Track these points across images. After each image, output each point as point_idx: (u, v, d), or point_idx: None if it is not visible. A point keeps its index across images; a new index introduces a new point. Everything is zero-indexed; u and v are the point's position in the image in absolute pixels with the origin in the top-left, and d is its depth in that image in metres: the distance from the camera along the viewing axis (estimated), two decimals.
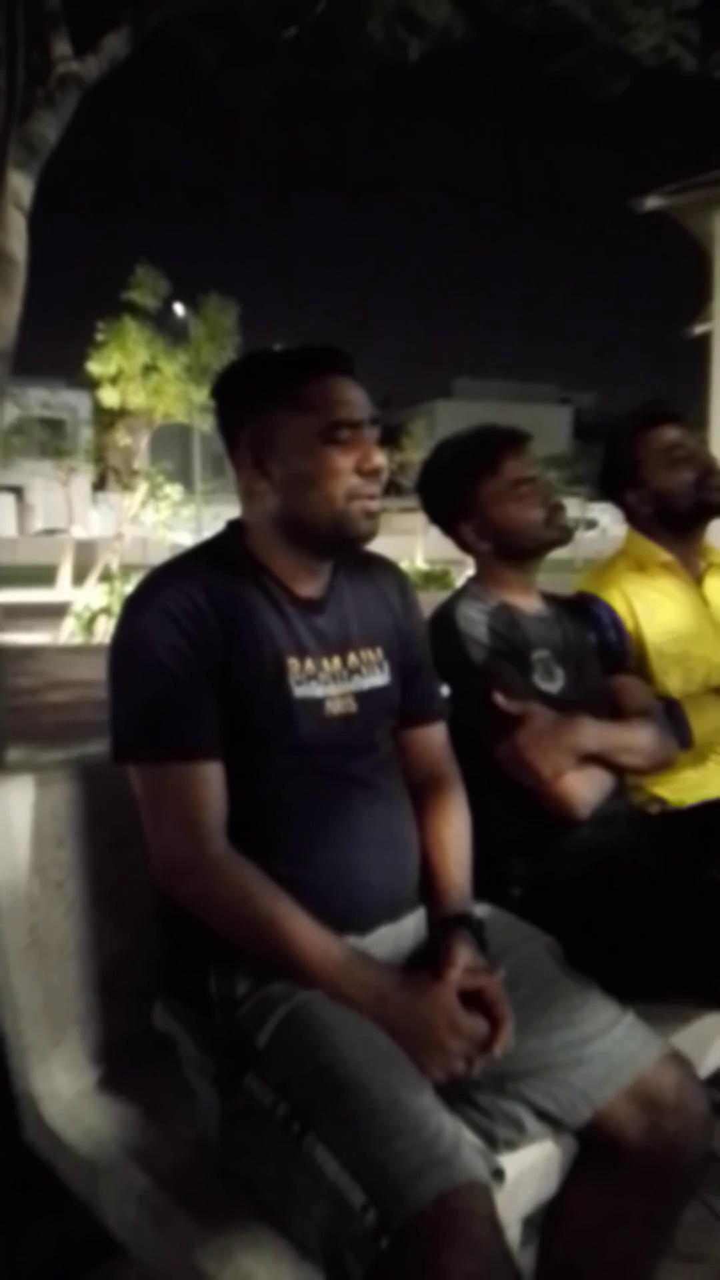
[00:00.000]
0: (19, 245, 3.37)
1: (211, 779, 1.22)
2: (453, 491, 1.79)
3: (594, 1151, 1.23)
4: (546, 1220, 1.27)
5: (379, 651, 1.39)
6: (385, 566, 1.50)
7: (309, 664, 1.30)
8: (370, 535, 1.33)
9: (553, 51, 4.40)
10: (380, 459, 1.30)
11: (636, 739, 1.71)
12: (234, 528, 1.38)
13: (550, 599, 1.90)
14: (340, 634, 1.35)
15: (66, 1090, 1.36)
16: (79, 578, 16.36)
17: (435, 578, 19.94)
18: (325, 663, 1.32)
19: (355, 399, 1.30)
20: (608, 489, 2.20)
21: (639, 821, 1.83)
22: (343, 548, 1.35)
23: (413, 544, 27.25)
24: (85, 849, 1.42)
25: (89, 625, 12.37)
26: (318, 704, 1.29)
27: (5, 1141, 1.43)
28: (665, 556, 2.11)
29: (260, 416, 1.30)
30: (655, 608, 2.05)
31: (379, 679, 1.37)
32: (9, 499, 42.64)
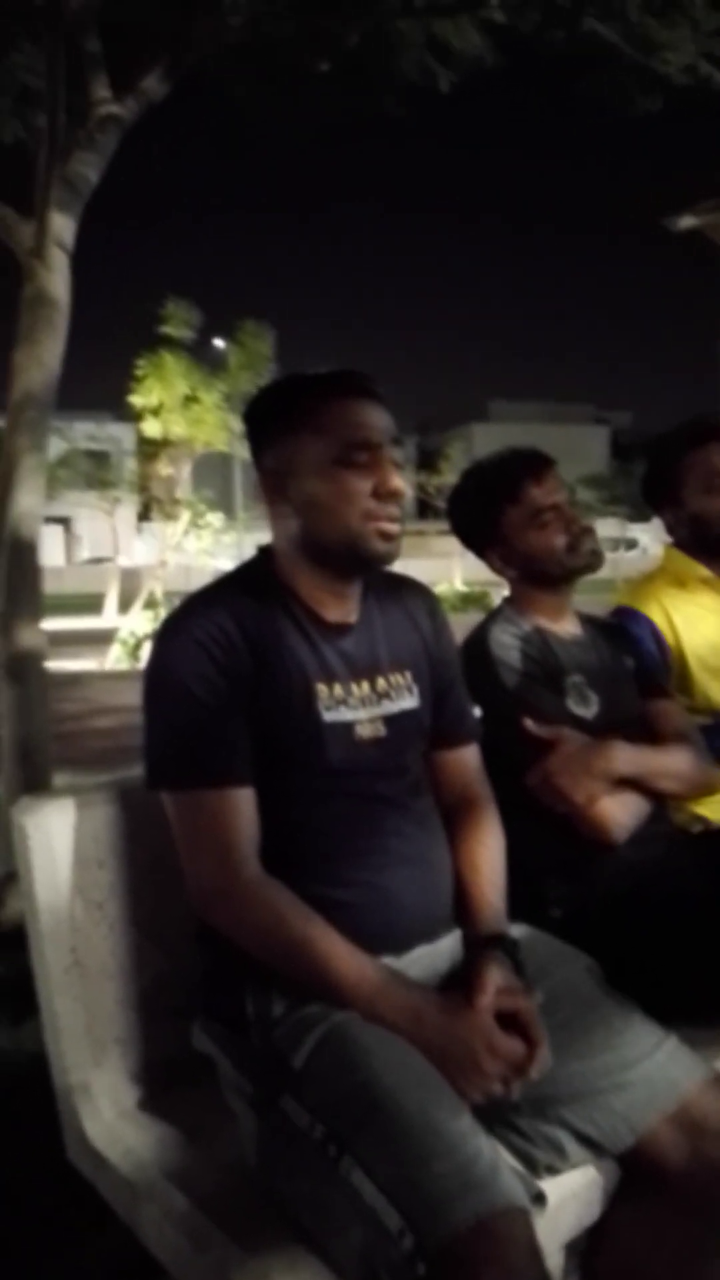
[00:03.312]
0: (62, 285, 3.46)
1: (243, 805, 1.23)
2: (478, 520, 1.80)
3: (637, 1177, 1.21)
4: (589, 1247, 1.24)
5: (408, 675, 1.39)
6: (415, 589, 1.51)
7: (338, 689, 1.31)
8: (389, 557, 1.32)
9: (583, 72, 4.42)
10: (396, 482, 1.29)
11: (672, 763, 1.69)
12: (263, 554, 1.40)
13: (587, 621, 1.89)
14: (369, 658, 1.36)
15: (107, 1111, 1.37)
16: (124, 605, 16.57)
17: (474, 599, 19.89)
18: (354, 687, 1.33)
19: (373, 421, 1.30)
20: (649, 500, 2.20)
21: (680, 840, 1.80)
22: (361, 570, 1.35)
23: (450, 566, 27.22)
24: (125, 870, 1.43)
25: (134, 651, 12.52)
26: (347, 728, 1.30)
27: (49, 1162, 1.45)
28: (704, 572, 2.10)
29: (280, 441, 1.32)
30: (696, 621, 2.04)
31: (408, 702, 1.38)
32: (57, 530, 43.37)
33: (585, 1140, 1.20)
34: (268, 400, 1.38)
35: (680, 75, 4.08)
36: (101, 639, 13.90)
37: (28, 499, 3.35)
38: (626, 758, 1.61)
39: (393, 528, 1.30)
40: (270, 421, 1.35)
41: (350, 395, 1.31)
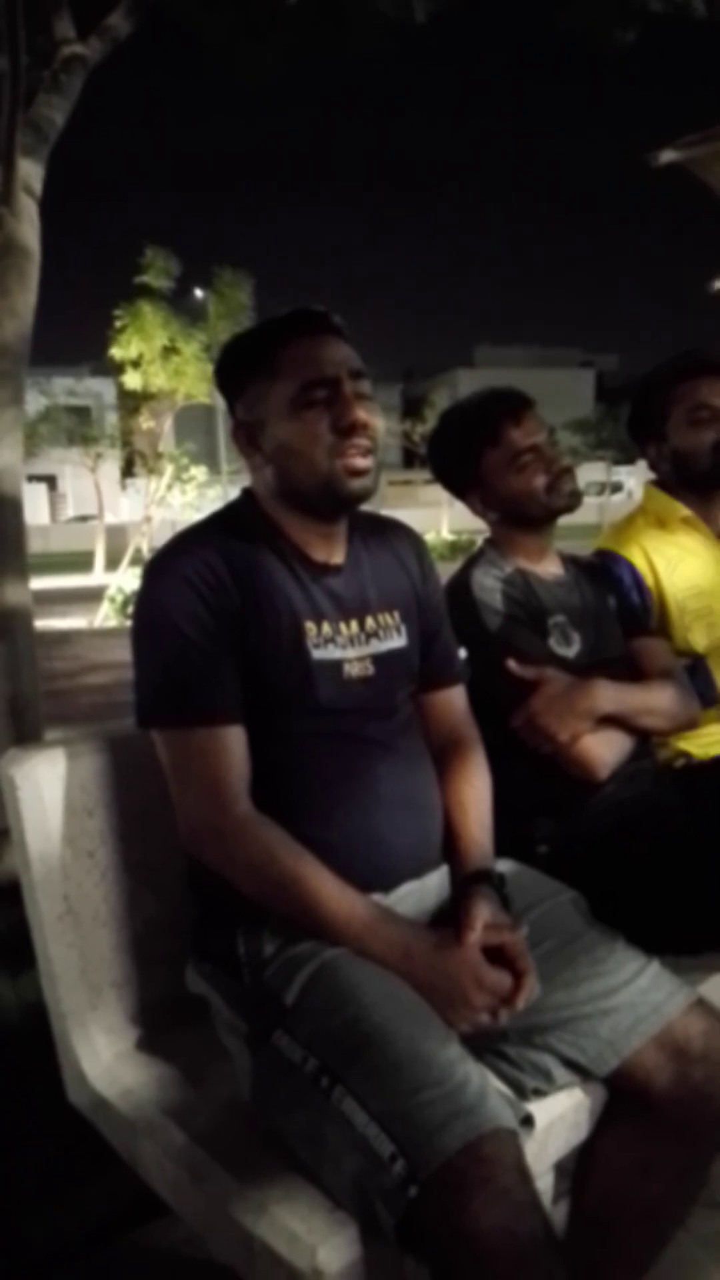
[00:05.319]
0: (32, 233, 3.38)
1: (233, 743, 1.24)
2: (457, 464, 1.79)
3: (623, 1100, 1.25)
4: (577, 1168, 1.28)
5: (396, 615, 1.40)
6: (402, 531, 1.51)
7: (326, 627, 1.31)
8: (364, 493, 1.31)
9: (562, 2, 4.31)
10: (357, 414, 1.27)
11: (656, 700, 1.70)
12: (249, 495, 1.39)
13: (570, 561, 1.89)
14: (358, 598, 1.36)
15: (105, 1053, 1.40)
16: (112, 562, 16.49)
17: (462, 547, 19.85)
18: (343, 626, 1.33)
19: (327, 356, 1.29)
20: (633, 435, 2.18)
21: (664, 776, 1.83)
22: (339, 509, 1.34)
23: (438, 515, 27.12)
24: (114, 818, 1.44)
25: (123, 609, 12.50)
26: (336, 666, 1.30)
27: (50, 1107, 1.48)
28: (685, 512, 2.08)
29: (247, 392, 1.32)
30: (676, 564, 2.03)
31: (397, 642, 1.38)
32: (41, 488, 42.92)
33: (571, 1065, 1.23)
34: (231, 353, 1.37)
35: (657, 4, 3.98)
36: (90, 597, 13.87)
37: (7, 453, 3.32)
38: (609, 695, 1.62)
39: (361, 462, 1.28)
40: (236, 373, 1.35)
41: (303, 334, 1.30)
